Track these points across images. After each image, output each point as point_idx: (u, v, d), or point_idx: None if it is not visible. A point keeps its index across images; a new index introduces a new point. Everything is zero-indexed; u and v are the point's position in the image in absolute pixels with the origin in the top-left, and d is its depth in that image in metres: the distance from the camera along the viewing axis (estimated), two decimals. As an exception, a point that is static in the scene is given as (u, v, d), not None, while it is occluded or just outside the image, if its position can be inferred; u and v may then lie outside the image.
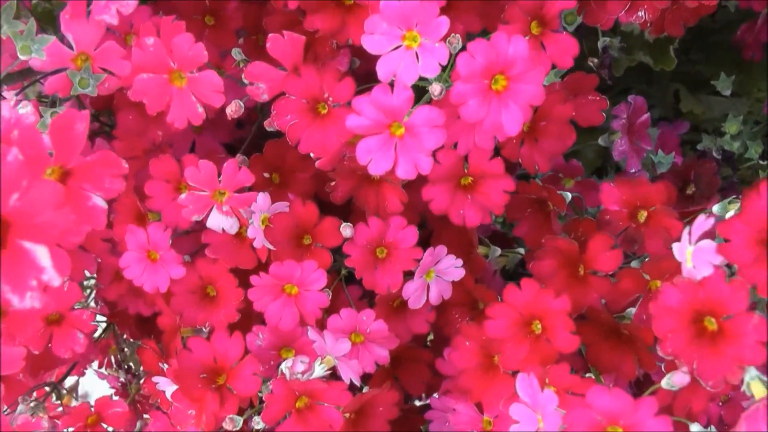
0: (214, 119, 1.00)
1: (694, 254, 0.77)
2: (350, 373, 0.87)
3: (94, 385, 1.22)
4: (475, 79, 0.78)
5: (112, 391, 1.13)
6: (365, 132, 0.80)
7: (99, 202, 0.75)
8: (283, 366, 0.85)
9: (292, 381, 0.83)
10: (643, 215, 0.90)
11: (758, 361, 0.74)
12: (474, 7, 0.89)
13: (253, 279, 0.89)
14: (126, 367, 1.11)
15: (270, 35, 0.88)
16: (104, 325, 1.10)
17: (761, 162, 1.13)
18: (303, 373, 0.84)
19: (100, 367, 1.15)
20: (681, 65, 1.18)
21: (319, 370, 0.85)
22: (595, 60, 1.08)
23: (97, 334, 1.11)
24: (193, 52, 0.86)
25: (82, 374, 1.09)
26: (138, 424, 1.09)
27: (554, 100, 0.88)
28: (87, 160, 0.74)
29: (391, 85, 0.79)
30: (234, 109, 0.89)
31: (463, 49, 0.79)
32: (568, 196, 0.96)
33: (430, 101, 0.81)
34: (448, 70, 0.80)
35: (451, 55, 0.80)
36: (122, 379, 1.11)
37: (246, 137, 0.99)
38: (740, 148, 1.14)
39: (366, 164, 0.80)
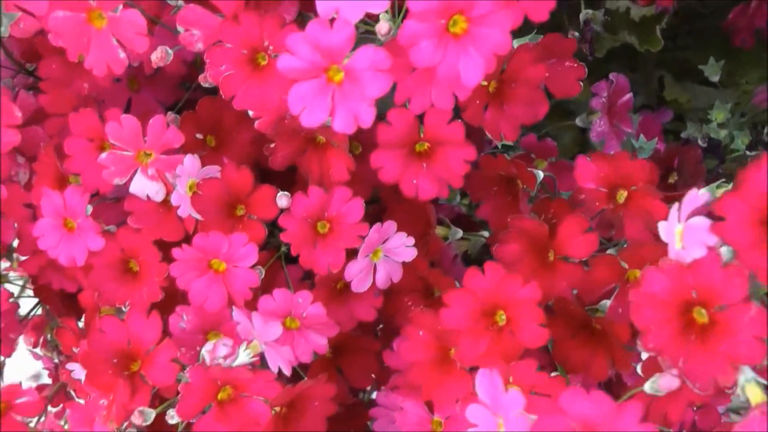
0: (154, 76, 0.81)
1: (685, 233, 0.57)
2: (279, 361, 0.67)
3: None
4: (430, 18, 0.58)
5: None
6: (299, 75, 0.60)
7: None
8: (203, 350, 0.65)
9: (214, 368, 0.64)
10: (622, 195, 0.70)
11: (755, 360, 0.54)
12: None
13: (175, 252, 0.70)
14: (58, 347, 0.91)
15: (208, -23, 0.69)
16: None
17: (748, 153, 0.93)
18: (226, 357, 0.64)
19: (34, 346, 0.95)
20: (667, 51, 0.98)
21: (244, 356, 0.65)
22: (576, 33, 0.89)
23: (27, 311, 0.92)
24: (112, -15, 0.66)
25: (8, 355, 0.89)
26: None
27: (525, 60, 0.69)
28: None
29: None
30: (160, 56, 0.70)
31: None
32: (540, 174, 0.76)
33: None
34: (400, 15, 0.61)
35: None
36: (56, 360, 0.92)
37: (190, 97, 0.80)
38: (726, 138, 0.94)
39: (299, 114, 0.61)
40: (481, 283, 0.66)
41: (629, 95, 0.89)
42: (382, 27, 0.59)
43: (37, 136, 0.79)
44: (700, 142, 0.93)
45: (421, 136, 0.68)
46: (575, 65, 0.75)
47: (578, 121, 0.89)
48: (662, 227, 0.59)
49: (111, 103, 0.79)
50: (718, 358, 0.55)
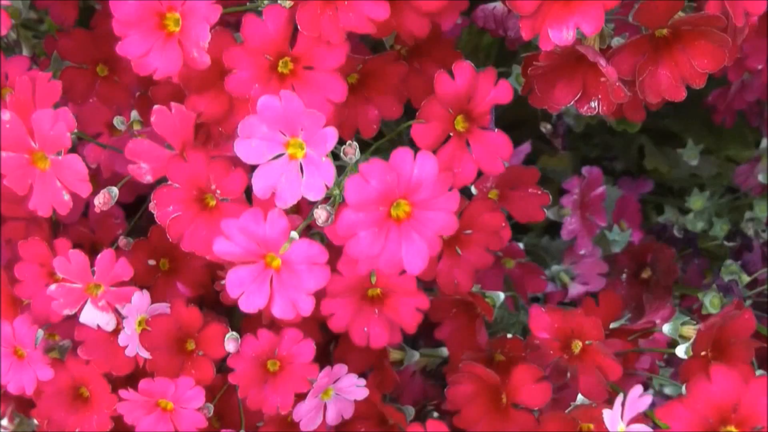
0: (112, 178, 0.78)
1: (626, 439, 0.54)
2: None
3: None
4: (369, 207, 0.55)
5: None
6: (236, 260, 0.57)
7: None
8: None
9: None
10: (577, 346, 0.67)
11: None
12: (392, 87, 0.65)
13: (122, 393, 0.67)
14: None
15: (155, 108, 0.65)
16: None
17: (726, 243, 0.89)
18: None
19: (1, 418, 0.93)
20: (647, 117, 0.93)
21: None
22: (548, 126, 0.84)
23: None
24: (55, 132, 0.63)
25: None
26: None
27: (481, 208, 0.65)
28: None
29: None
30: (103, 201, 0.66)
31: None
32: (500, 297, 0.73)
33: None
34: (344, 179, 0.57)
35: (348, 166, 0.57)
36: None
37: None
38: (705, 225, 0.90)
39: (236, 298, 0.58)
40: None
41: (602, 188, 0.86)
42: (320, 215, 0.55)
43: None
44: (675, 233, 0.89)
45: (373, 282, 0.65)
46: (539, 192, 0.71)
47: (550, 215, 0.86)
48: (607, 417, 0.57)
49: (67, 209, 0.76)
50: None
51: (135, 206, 0.79)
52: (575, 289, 0.85)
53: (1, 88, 0.70)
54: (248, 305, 0.57)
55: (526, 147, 0.87)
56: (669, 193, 1.01)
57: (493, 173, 0.62)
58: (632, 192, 0.98)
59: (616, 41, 0.66)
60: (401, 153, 0.55)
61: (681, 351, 0.66)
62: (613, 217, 0.93)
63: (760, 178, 0.90)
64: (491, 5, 0.71)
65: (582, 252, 0.84)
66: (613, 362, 0.64)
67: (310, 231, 0.63)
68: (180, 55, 0.58)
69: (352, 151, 0.56)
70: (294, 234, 0.56)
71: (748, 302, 0.85)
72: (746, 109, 0.90)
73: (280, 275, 0.57)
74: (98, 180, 0.78)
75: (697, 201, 0.90)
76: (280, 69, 0.59)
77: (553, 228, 1.01)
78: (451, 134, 0.61)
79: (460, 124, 0.62)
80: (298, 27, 0.57)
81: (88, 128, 0.75)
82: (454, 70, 0.60)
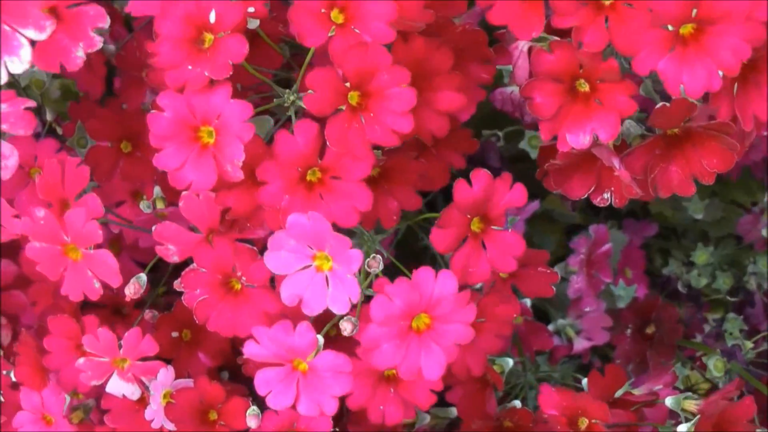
0: (134, 243, 0.84)
1: None
2: None
3: None
4: (393, 323, 0.61)
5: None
6: (265, 362, 0.64)
7: None
8: None
9: None
10: (584, 422, 0.74)
11: None
12: (410, 181, 0.71)
13: (148, 464, 0.74)
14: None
15: (184, 194, 0.71)
16: None
17: (729, 298, 0.96)
18: None
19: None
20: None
21: None
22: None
23: None
24: (86, 229, 0.69)
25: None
26: None
27: (495, 300, 0.71)
28: None
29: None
30: (133, 291, 0.72)
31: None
32: (509, 363, 0.80)
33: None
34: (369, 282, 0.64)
35: (370, 275, 0.63)
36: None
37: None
38: (708, 279, 0.97)
39: (264, 396, 0.64)
40: None
41: (608, 245, 0.92)
42: (346, 327, 0.62)
43: (19, 300, 0.83)
44: (680, 288, 0.96)
45: (390, 365, 0.72)
46: (548, 271, 0.77)
47: (557, 269, 0.92)
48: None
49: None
50: None
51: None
52: (580, 344, 0.92)
53: (30, 168, 0.76)
54: (276, 403, 0.64)
55: (534, 205, 0.93)
56: (673, 234, 1.08)
57: (506, 271, 0.69)
58: (636, 235, 1.04)
59: (629, 123, 0.72)
60: (423, 273, 0.61)
61: (683, 430, 0.73)
62: (618, 266, 0.99)
63: (764, 232, 0.96)
64: (509, 89, 0.77)
65: (587, 309, 0.91)
66: (618, 445, 0.71)
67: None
68: (215, 170, 0.64)
69: (375, 264, 0.62)
70: (320, 341, 0.63)
71: (751, 355, 0.92)
72: (751, 164, 0.96)
73: (307, 378, 0.63)
74: (121, 244, 0.85)
75: (701, 255, 0.96)
76: (308, 178, 0.65)
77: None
78: (468, 236, 0.68)
79: (475, 225, 0.68)
80: (327, 142, 0.63)
81: (112, 198, 0.81)
82: (471, 178, 0.66)
